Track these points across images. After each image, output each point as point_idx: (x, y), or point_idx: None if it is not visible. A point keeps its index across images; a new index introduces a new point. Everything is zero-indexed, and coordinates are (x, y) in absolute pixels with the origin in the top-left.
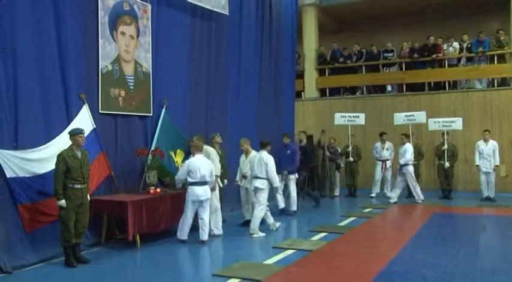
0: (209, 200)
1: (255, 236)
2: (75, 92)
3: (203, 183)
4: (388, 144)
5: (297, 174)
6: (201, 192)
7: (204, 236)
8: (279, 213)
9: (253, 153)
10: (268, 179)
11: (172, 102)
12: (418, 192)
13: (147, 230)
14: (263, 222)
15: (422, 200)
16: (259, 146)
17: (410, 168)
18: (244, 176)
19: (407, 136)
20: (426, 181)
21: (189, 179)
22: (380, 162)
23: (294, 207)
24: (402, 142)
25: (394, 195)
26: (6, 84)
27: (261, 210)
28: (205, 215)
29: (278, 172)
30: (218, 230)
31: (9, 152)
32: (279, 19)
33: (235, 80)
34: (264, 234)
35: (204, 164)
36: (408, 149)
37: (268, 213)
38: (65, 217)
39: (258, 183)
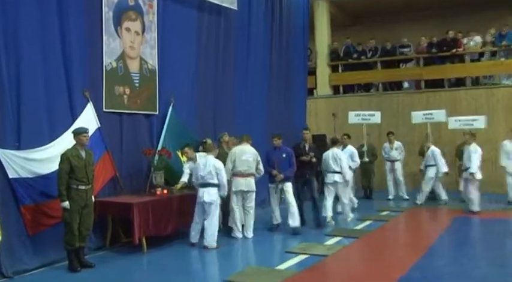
0: (213, 205)
1: (349, 219)
2: (79, 90)
3: (205, 184)
4: (396, 144)
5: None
6: (201, 193)
7: (207, 240)
8: (273, 229)
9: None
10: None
11: (179, 99)
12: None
13: (154, 232)
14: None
15: (357, 203)
16: (331, 144)
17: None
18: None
19: (350, 137)
20: (447, 183)
21: (195, 180)
22: (389, 163)
23: (297, 223)
24: (344, 143)
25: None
26: (9, 82)
27: (347, 199)
28: (208, 219)
29: (271, 181)
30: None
31: (11, 152)
32: (289, 13)
33: (244, 76)
34: (353, 215)
35: (202, 165)
36: (355, 151)
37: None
38: (68, 219)
39: (337, 177)
